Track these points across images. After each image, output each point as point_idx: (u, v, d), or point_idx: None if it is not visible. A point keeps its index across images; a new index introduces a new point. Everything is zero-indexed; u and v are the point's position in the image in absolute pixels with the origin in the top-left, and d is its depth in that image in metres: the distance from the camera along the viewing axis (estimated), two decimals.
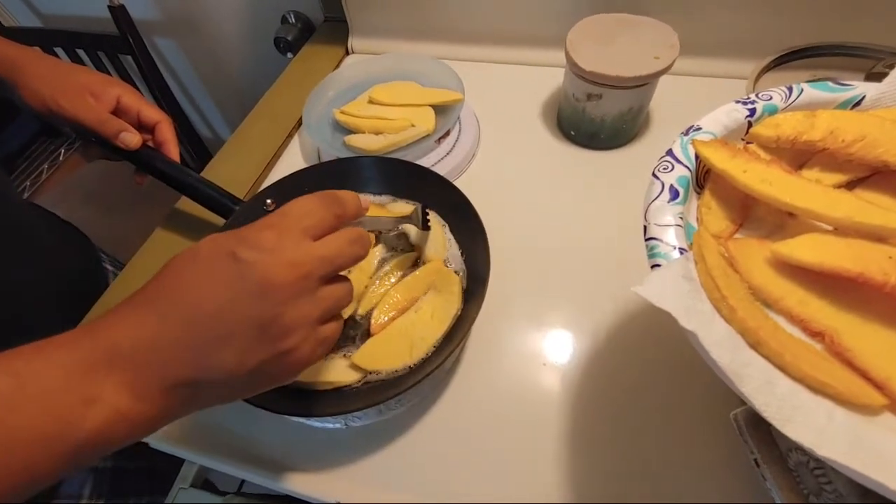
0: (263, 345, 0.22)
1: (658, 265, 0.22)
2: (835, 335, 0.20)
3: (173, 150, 0.44)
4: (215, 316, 0.21)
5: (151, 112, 0.44)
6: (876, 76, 0.39)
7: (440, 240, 0.40)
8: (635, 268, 0.21)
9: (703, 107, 0.28)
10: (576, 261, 0.44)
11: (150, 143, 0.45)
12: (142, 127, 0.44)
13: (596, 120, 0.49)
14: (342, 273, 0.26)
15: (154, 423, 0.21)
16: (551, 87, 0.58)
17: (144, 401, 0.20)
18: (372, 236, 0.40)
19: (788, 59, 0.45)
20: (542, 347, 0.39)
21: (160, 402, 0.21)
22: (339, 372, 0.34)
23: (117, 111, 0.43)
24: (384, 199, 0.45)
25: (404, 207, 0.43)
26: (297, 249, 0.23)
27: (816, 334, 0.20)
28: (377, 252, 0.41)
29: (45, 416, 0.19)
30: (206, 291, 0.21)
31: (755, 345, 0.19)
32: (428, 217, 0.38)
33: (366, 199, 0.29)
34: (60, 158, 1.16)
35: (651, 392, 0.36)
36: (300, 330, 0.23)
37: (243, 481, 0.50)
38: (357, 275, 0.39)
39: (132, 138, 0.42)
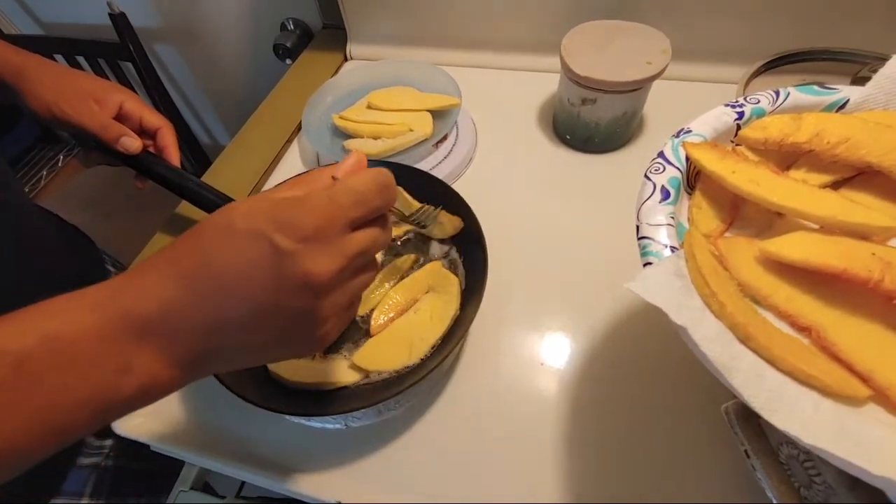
0: (296, 332, 0.23)
1: (650, 263, 0.22)
2: (821, 330, 0.20)
3: (174, 155, 0.45)
4: (252, 302, 0.21)
5: (153, 118, 0.44)
6: (861, 80, 0.40)
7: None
8: (630, 269, 0.21)
9: (695, 111, 0.29)
10: (572, 262, 0.44)
11: (152, 149, 0.45)
12: (143, 132, 0.45)
13: (591, 124, 0.50)
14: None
15: (182, 384, 0.22)
16: (547, 92, 0.59)
17: (176, 367, 0.21)
18: None
19: (777, 64, 0.46)
20: (539, 348, 0.40)
21: (191, 367, 0.22)
22: (339, 372, 0.35)
23: (120, 117, 0.43)
24: None
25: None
26: (338, 243, 0.22)
27: (803, 329, 0.21)
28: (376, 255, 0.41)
29: (82, 382, 0.19)
30: (243, 277, 0.21)
31: (744, 339, 0.20)
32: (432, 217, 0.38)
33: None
34: (59, 164, 1.17)
35: (647, 390, 0.36)
36: (332, 318, 0.23)
37: (242, 484, 0.50)
38: None
39: (132, 143, 0.42)
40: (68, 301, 0.20)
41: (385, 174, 0.25)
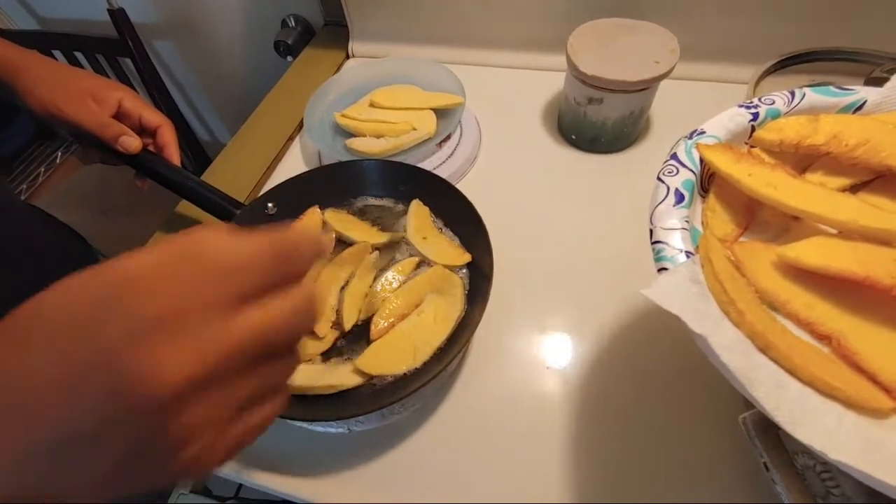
0: (139, 464, 0.15)
1: (665, 268, 0.22)
2: (841, 338, 0.20)
3: (174, 154, 0.44)
4: (65, 423, 0.14)
5: (153, 116, 0.44)
6: (875, 81, 0.39)
7: (445, 247, 0.40)
8: (637, 271, 0.21)
9: (703, 111, 0.28)
10: (578, 264, 0.44)
11: (152, 147, 0.44)
12: (143, 130, 0.44)
13: (597, 124, 0.49)
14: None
15: None
16: (552, 91, 0.58)
17: None
18: (368, 246, 0.41)
19: (787, 63, 0.46)
20: (545, 351, 0.39)
21: None
22: (342, 376, 0.34)
23: (119, 115, 0.42)
24: (386, 202, 0.45)
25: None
26: (209, 328, 0.15)
27: (824, 337, 0.20)
28: (372, 259, 0.40)
29: None
30: (51, 391, 0.14)
31: (764, 348, 0.19)
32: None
33: (329, 237, 0.21)
34: (57, 161, 1.16)
35: (654, 396, 0.36)
36: (198, 440, 0.15)
37: (240, 487, 0.49)
38: (357, 284, 0.39)
39: (132, 142, 0.42)
40: None
41: (283, 243, 0.17)
